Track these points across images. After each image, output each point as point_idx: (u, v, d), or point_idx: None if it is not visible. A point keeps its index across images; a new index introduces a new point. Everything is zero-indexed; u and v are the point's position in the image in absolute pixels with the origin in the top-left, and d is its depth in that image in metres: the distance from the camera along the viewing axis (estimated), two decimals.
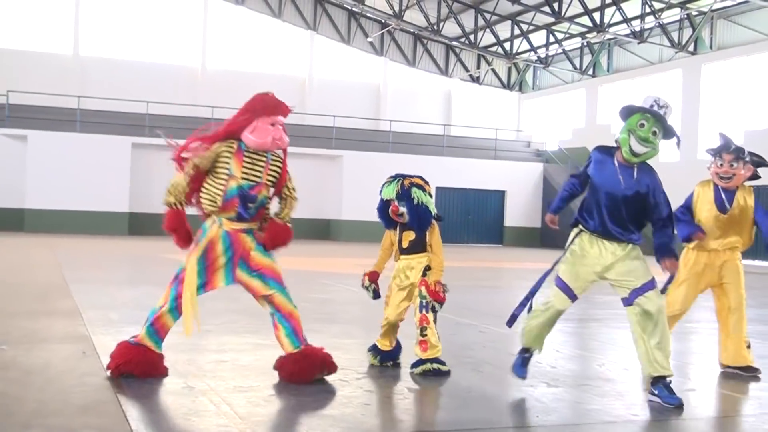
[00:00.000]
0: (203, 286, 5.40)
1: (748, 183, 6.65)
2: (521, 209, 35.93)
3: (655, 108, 5.33)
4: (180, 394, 4.92)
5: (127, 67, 35.37)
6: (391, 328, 6.11)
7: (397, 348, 6.16)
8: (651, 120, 5.30)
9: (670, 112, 5.41)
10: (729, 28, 29.80)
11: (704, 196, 6.58)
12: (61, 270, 13.73)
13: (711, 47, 30.28)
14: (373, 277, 6.18)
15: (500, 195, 35.80)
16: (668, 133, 5.36)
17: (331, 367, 5.44)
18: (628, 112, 5.40)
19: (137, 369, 5.21)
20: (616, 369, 6.50)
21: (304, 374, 5.29)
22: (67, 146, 29.73)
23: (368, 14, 38.72)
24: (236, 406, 4.66)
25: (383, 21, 38.52)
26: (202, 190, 5.43)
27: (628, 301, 5.29)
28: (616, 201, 5.32)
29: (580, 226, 5.51)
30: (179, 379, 5.32)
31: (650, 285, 5.26)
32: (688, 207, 6.64)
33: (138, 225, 30.83)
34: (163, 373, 5.35)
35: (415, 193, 5.85)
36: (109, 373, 5.25)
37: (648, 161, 5.43)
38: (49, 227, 29.21)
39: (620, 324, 9.53)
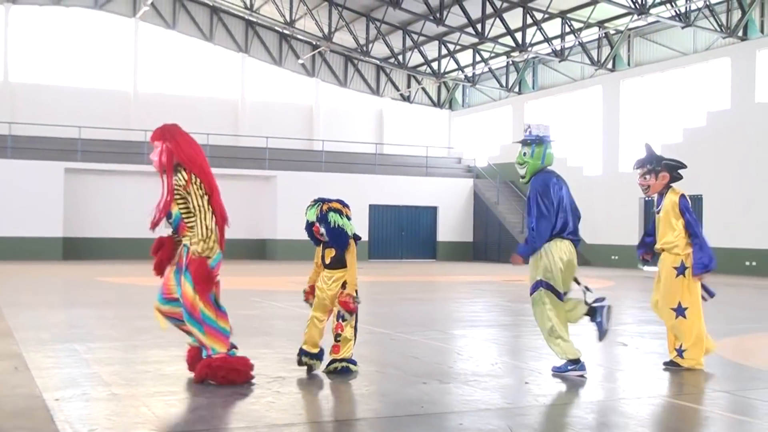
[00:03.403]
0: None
1: (675, 185, 7.35)
2: (453, 224, 36.77)
3: (525, 135, 6.94)
4: (104, 399, 5.49)
5: (58, 92, 35.44)
6: (313, 334, 6.73)
7: (321, 352, 6.78)
8: (522, 146, 6.97)
9: (536, 128, 6.90)
10: (645, 46, 31.13)
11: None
12: None
13: (629, 64, 31.56)
14: (312, 291, 6.89)
15: (433, 211, 36.62)
16: (536, 140, 6.92)
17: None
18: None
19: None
20: (506, 367, 7.21)
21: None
22: None
23: (299, 36, 39.39)
24: (154, 408, 5.25)
25: (314, 43, 39.23)
26: None
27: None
28: None
29: None
30: (104, 388, 5.87)
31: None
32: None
33: (72, 249, 30.89)
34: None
35: (332, 217, 6.63)
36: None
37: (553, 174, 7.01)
38: None
39: (526, 329, 10.32)
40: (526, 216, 6.94)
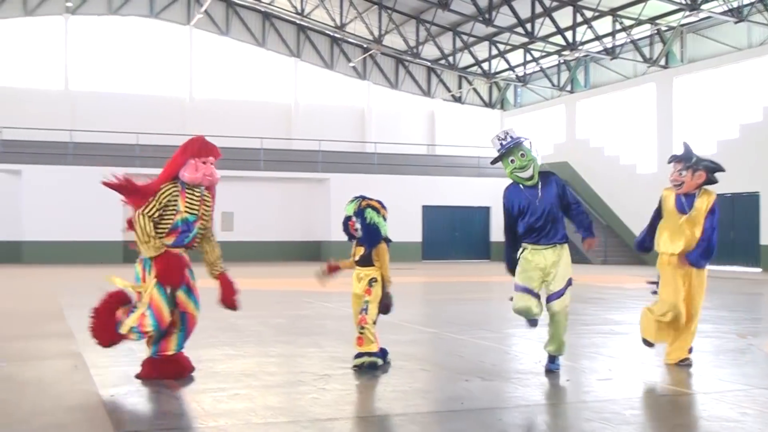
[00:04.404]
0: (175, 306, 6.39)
1: (709, 187, 7.22)
2: (579, 201, 36.77)
3: (504, 143, 6.73)
4: (156, 395, 5.73)
5: (116, 100, 36.25)
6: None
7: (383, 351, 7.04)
8: (512, 152, 6.72)
9: (510, 132, 6.84)
10: (698, 42, 30.73)
11: (668, 200, 7.26)
12: (57, 297, 14.51)
13: (682, 61, 31.20)
14: (331, 268, 7.28)
15: (485, 211, 36.63)
16: (522, 140, 6.78)
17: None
18: (496, 162, 6.95)
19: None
20: None
21: (158, 376, 6.27)
22: (60, 179, 30.54)
23: (350, 40, 39.70)
24: (202, 403, 5.48)
25: (364, 46, 39.51)
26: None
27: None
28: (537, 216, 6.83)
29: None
30: (157, 384, 6.12)
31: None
32: (652, 221, 7.50)
33: (132, 252, 31.49)
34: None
35: (369, 213, 6.87)
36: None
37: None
38: (46, 258, 29.95)
39: (575, 328, 10.36)
40: (570, 203, 6.94)
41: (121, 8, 37.03)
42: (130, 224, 6.39)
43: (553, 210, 6.77)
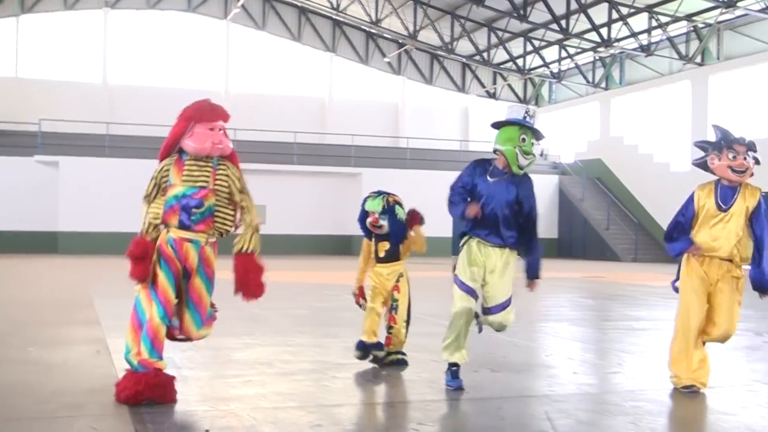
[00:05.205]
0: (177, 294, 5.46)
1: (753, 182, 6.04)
2: (538, 220, 36.68)
3: (528, 120, 5.78)
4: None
5: (153, 93, 36.76)
6: (373, 323, 6.97)
7: (380, 343, 7.06)
8: (529, 133, 5.75)
9: (535, 117, 6.17)
10: (735, 39, 30.47)
11: (706, 199, 6.01)
12: (88, 287, 14.87)
13: (718, 58, 30.96)
14: (362, 292, 7.06)
15: None
16: (539, 137, 5.91)
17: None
18: (504, 123, 5.82)
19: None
20: (560, 358, 7.42)
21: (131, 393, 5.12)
22: (97, 171, 31.04)
23: (385, 35, 39.88)
24: (216, 388, 5.70)
25: (399, 41, 39.66)
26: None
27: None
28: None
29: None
30: (175, 371, 6.31)
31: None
32: (678, 223, 6.15)
33: None
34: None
35: (398, 210, 6.83)
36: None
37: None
38: (81, 249, 30.46)
39: (593, 324, 10.44)
40: (527, 212, 6.08)
41: (159, 3, 37.58)
42: None
43: (509, 211, 5.94)
